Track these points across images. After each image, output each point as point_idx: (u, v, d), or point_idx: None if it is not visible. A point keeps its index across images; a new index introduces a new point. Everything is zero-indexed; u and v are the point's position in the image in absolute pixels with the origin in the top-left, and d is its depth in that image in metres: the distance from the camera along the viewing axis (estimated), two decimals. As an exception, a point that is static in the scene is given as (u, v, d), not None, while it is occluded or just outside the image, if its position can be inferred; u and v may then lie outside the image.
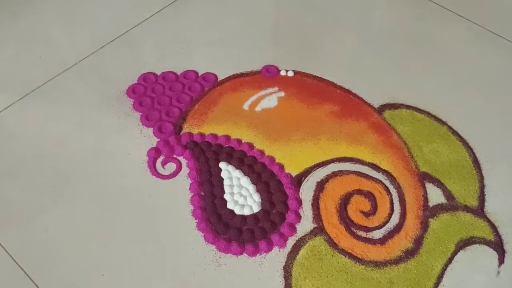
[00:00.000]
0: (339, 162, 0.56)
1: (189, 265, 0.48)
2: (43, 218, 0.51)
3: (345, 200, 0.53)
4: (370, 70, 0.63)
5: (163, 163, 0.56)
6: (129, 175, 0.55)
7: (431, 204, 0.53)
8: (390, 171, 0.55)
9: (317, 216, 0.52)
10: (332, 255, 0.49)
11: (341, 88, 0.63)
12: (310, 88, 0.63)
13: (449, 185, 0.54)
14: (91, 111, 0.60)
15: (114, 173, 0.55)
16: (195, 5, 0.74)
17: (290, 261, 0.49)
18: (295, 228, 0.51)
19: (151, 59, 0.66)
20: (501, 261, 0.49)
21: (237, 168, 0.55)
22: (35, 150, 0.57)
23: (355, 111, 0.61)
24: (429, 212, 0.52)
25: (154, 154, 0.56)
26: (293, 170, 0.55)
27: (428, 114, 0.60)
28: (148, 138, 0.58)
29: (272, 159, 0.56)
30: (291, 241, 0.50)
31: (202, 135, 0.58)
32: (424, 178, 0.55)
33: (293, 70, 0.65)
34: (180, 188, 0.54)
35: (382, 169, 0.55)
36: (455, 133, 0.59)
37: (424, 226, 0.51)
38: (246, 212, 0.51)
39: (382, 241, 0.50)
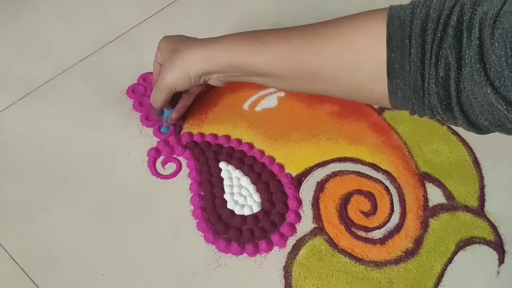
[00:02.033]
0: (339, 162, 0.56)
1: (189, 265, 0.48)
2: (43, 218, 0.51)
3: (345, 200, 0.53)
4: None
5: (163, 163, 0.56)
6: (129, 175, 0.55)
7: (431, 204, 0.53)
8: (390, 171, 0.55)
9: (317, 216, 0.52)
10: (332, 255, 0.49)
11: (341, 88, 0.63)
12: (310, 88, 0.63)
13: (449, 185, 0.54)
14: (91, 111, 0.60)
15: (114, 173, 0.55)
16: (195, 5, 0.74)
17: (290, 261, 0.49)
18: (295, 228, 0.51)
19: (151, 59, 0.66)
20: (501, 261, 0.49)
21: (237, 168, 0.55)
22: (35, 150, 0.57)
23: (355, 111, 0.61)
24: (429, 212, 0.52)
25: (154, 154, 0.56)
26: (293, 170, 0.55)
27: (428, 114, 0.60)
28: (148, 138, 0.58)
29: (272, 159, 0.56)
30: (291, 241, 0.50)
31: (202, 135, 0.58)
32: (424, 178, 0.55)
33: (293, 70, 0.65)
34: (180, 188, 0.54)
35: (382, 169, 0.55)
36: (455, 133, 0.59)
37: (424, 226, 0.51)
38: (246, 212, 0.51)
39: (382, 241, 0.50)
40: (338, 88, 0.42)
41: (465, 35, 0.32)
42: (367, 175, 0.55)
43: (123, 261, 0.48)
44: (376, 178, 0.55)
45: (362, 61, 0.38)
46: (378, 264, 0.49)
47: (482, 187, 0.54)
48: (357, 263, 0.49)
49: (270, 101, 0.62)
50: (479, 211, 0.52)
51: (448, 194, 0.54)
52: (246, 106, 0.61)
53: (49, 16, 0.73)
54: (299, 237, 0.50)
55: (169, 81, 0.47)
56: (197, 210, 0.52)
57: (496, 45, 0.30)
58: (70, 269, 0.48)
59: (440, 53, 0.33)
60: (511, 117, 0.31)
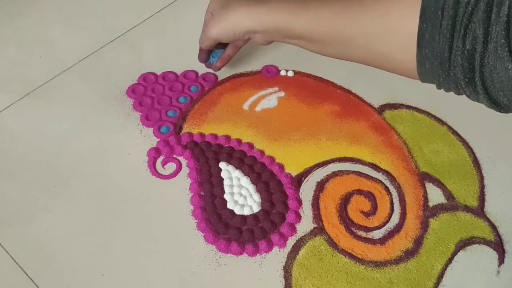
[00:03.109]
0: (339, 162, 0.56)
1: (189, 265, 0.48)
2: (43, 218, 0.51)
3: (345, 200, 0.53)
4: (370, 70, 0.63)
5: (163, 163, 0.56)
6: (129, 175, 0.55)
7: (431, 204, 0.53)
8: (390, 171, 0.55)
9: (317, 216, 0.52)
10: (332, 255, 0.49)
11: (341, 88, 0.63)
12: (310, 88, 0.63)
13: (449, 185, 0.54)
14: (91, 111, 0.60)
15: (114, 173, 0.55)
16: (195, 5, 0.74)
17: (290, 261, 0.49)
18: (295, 228, 0.51)
19: (151, 59, 0.66)
20: (501, 261, 0.49)
21: (237, 168, 0.55)
22: (35, 150, 0.57)
23: (355, 111, 0.61)
24: (429, 212, 0.52)
25: (154, 154, 0.56)
26: (293, 170, 0.55)
27: (428, 114, 0.60)
28: (148, 138, 0.58)
29: (272, 159, 0.56)
30: (291, 241, 0.50)
31: (202, 135, 0.58)
32: (424, 178, 0.55)
33: (293, 70, 0.65)
34: (180, 188, 0.54)
35: (382, 169, 0.55)
36: (455, 133, 0.59)
37: (424, 226, 0.51)
38: (246, 212, 0.51)
39: (382, 241, 0.50)
40: (369, 56, 0.44)
41: (494, 11, 0.33)
42: (367, 175, 0.55)
43: (123, 261, 0.48)
44: (376, 178, 0.55)
45: (394, 31, 0.40)
46: (378, 264, 0.49)
47: (482, 187, 0.54)
48: (357, 263, 0.49)
49: (270, 101, 0.62)
50: (479, 211, 0.52)
51: (448, 194, 0.54)
52: (246, 106, 0.61)
53: (49, 16, 0.73)
54: (299, 237, 0.50)
55: (214, 32, 0.53)
56: (197, 210, 0.52)
57: None
58: (70, 269, 0.48)
59: (470, 26, 0.34)
60: None
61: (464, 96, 0.38)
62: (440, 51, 0.36)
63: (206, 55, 0.60)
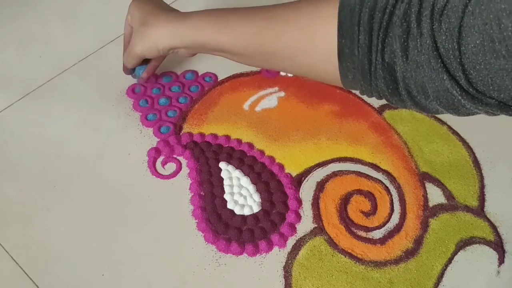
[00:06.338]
0: (339, 162, 0.56)
1: (189, 265, 0.48)
2: (43, 218, 0.51)
3: (345, 200, 0.53)
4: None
5: (163, 163, 0.56)
6: (129, 175, 0.55)
7: (431, 204, 0.53)
8: (390, 171, 0.55)
9: (317, 216, 0.52)
10: (332, 255, 0.49)
11: (341, 88, 0.63)
12: (310, 88, 0.63)
13: (449, 185, 0.54)
14: (91, 111, 0.60)
15: (114, 173, 0.55)
16: (195, 5, 0.74)
17: (290, 261, 0.49)
18: (295, 228, 0.51)
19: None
20: (501, 261, 0.49)
21: (237, 168, 0.55)
22: (35, 150, 0.57)
23: (355, 111, 0.61)
24: (429, 212, 0.52)
25: (154, 154, 0.56)
26: (293, 170, 0.55)
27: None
28: (148, 138, 0.58)
29: (272, 159, 0.56)
30: (291, 241, 0.50)
31: (202, 135, 0.58)
32: (424, 178, 0.55)
33: (293, 70, 0.65)
34: (180, 188, 0.54)
35: (382, 169, 0.55)
36: (455, 133, 0.59)
37: (424, 226, 0.51)
38: (246, 212, 0.51)
39: (382, 241, 0.50)
40: (295, 67, 0.45)
41: (415, 25, 0.33)
42: (367, 175, 0.55)
43: (123, 261, 0.48)
44: (376, 178, 0.55)
45: (316, 44, 0.41)
46: (378, 264, 0.49)
47: (482, 187, 0.54)
48: (357, 263, 0.49)
49: (270, 101, 0.62)
50: (479, 211, 0.52)
51: (448, 194, 0.54)
52: (246, 106, 0.61)
53: (49, 16, 0.73)
54: (299, 237, 0.50)
55: (138, 50, 0.53)
56: (197, 210, 0.52)
57: (444, 37, 0.31)
58: (70, 269, 0.48)
59: (386, 41, 0.35)
60: (463, 102, 0.33)
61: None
62: (361, 64, 0.37)
63: (131, 68, 0.59)
